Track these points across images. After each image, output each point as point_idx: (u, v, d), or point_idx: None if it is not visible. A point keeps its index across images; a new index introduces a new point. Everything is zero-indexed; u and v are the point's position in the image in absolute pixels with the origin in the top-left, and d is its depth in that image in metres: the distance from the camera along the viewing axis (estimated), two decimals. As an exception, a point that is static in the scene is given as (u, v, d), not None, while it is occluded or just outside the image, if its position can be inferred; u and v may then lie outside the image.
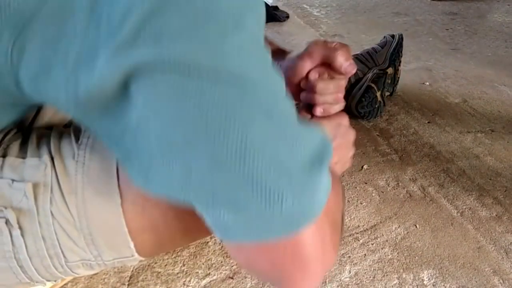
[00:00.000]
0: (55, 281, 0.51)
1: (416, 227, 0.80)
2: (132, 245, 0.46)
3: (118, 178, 0.44)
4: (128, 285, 0.68)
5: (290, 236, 0.35)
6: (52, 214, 0.44)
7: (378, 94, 1.11)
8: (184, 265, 0.72)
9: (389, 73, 1.16)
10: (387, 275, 0.71)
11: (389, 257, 0.74)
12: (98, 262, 0.48)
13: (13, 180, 0.44)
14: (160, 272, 0.71)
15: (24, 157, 0.45)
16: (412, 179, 0.93)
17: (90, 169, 0.44)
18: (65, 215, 0.44)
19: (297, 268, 0.36)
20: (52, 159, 0.45)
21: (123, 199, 0.44)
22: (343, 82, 0.60)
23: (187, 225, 0.47)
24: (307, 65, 0.57)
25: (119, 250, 0.47)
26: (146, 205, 0.44)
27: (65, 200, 0.44)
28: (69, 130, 0.48)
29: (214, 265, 0.72)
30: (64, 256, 0.46)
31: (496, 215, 0.84)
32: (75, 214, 0.44)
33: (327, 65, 0.57)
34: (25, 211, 0.43)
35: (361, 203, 0.86)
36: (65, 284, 0.68)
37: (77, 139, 0.46)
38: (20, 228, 0.43)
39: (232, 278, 0.70)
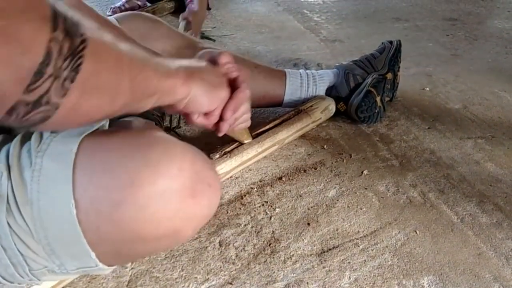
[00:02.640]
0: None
1: (416, 233, 0.80)
2: (93, 255, 0.46)
3: (74, 188, 0.43)
4: (126, 290, 0.68)
5: None
6: (9, 225, 0.43)
7: (378, 99, 1.11)
8: (182, 270, 0.72)
9: (388, 78, 1.16)
10: (387, 281, 0.70)
11: (389, 263, 0.74)
12: (62, 271, 0.47)
13: None
14: (158, 277, 0.70)
15: None
16: (412, 184, 0.93)
17: (46, 177, 0.43)
18: (22, 226, 0.43)
19: None
20: (8, 167, 0.44)
21: (78, 210, 0.43)
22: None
23: (145, 236, 0.46)
24: None
25: (81, 259, 0.46)
26: (101, 216, 0.44)
27: (21, 211, 0.43)
28: (32, 135, 0.47)
29: (213, 271, 0.72)
30: (28, 265, 0.46)
31: (497, 221, 0.83)
32: (31, 225, 0.43)
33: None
34: None
35: (361, 209, 0.86)
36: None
37: (38, 145, 0.45)
38: None
39: (231, 283, 0.70)
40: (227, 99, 0.64)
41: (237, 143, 0.92)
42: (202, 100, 0.58)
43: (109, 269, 0.50)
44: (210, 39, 1.85)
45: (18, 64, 0.32)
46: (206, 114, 0.63)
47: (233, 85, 0.66)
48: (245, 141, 0.93)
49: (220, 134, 0.68)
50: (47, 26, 0.33)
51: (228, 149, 0.91)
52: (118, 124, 0.56)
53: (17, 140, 0.47)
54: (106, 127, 0.52)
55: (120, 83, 0.42)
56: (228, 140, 0.91)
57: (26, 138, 0.47)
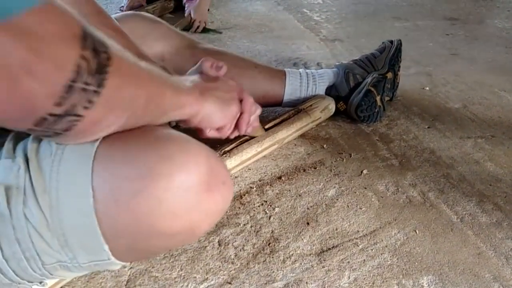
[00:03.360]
0: (40, 283, 0.51)
1: (416, 232, 0.80)
2: (106, 247, 0.46)
3: (93, 178, 0.44)
4: (125, 289, 0.68)
5: None
6: (25, 217, 0.44)
7: (378, 98, 1.11)
8: (181, 269, 0.71)
9: (388, 77, 1.16)
10: (386, 281, 0.70)
11: (389, 262, 0.74)
12: (74, 265, 0.48)
13: None
14: (157, 277, 0.70)
15: None
16: (412, 184, 0.93)
17: (65, 167, 0.44)
18: (38, 217, 0.44)
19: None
20: (27, 160, 0.45)
21: (95, 200, 0.44)
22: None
23: (161, 230, 0.47)
24: None
25: (93, 252, 0.47)
26: (119, 206, 0.44)
27: (38, 200, 0.44)
28: None
29: (212, 270, 0.72)
30: (40, 259, 0.46)
31: (496, 221, 0.83)
32: (48, 214, 0.44)
33: None
34: None
35: (361, 208, 0.86)
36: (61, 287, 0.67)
37: None
38: None
39: (230, 283, 0.70)
40: (238, 114, 0.69)
41: (237, 141, 0.92)
42: (214, 117, 0.62)
43: (120, 264, 0.51)
44: (217, 32, 1.87)
45: (51, 80, 0.34)
46: (218, 129, 0.66)
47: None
48: (258, 135, 0.95)
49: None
50: (77, 45, 0.35)
51: (227, 149, 0.91)
52: None
53: (35, 135, 0.48)
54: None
55: (139, 98, 0.44)
56: (227, 139, 0.90)
57: None
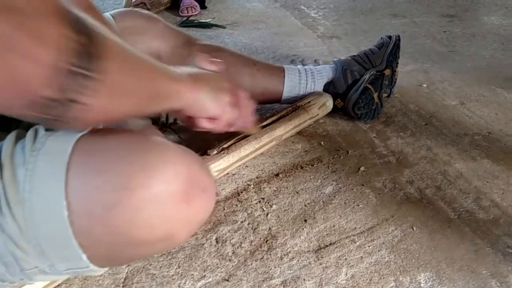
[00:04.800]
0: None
1: (413, 229, 0.80)
2: (84, 256, 0.45)
3: (67, 189, 0.42)
4: (123, 287, 0.68)
5: None
6: (0, 225, 0.43)
7: (375, 95, 1.11)
8: (179, 267, 0.71)
9: (386, 74, 1.16)
10: (383, 278, 0.70)
11: (386, 259, 0.74)
12: (53, 271, 0.46)
13: None
14: (155, 274, 0.70)
15: None
16: (409, 181, 0.93)
17: (39, 177, 0.42)
18: (12, 226, 0.43)
19: None
20: (1, 166, 0.43)
21: (70, 211, 0.42)
22: None
23: (139, 240, 0.46)
24: None
25: (72, 261, 0.45)
26: (93, 219, 0.43)
27: (12, 210, 0.42)
28: (27, 133, 0.46)
29: (209, 267, 0.71)
30: (19, 265, 0.45)
31: (494, 217, 0.83)
32: (22, 225, 0.42)
33: None
34: None
35: (358, 205, 0.86)
36: (58, 285, 0.67)
37: (33, 143, 0.44)
38: None
39: (227, 280, 0.69)
40: (231, 104, 0.67)
41: (235, 138, 0.92)
42: (208, 105, 0.61)
43: (102, 270, 0.50)
44: (220, 26, 1.89)
45: (36, 58, 0.33)
46: (211, 119, 0.65)
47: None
48: (253, 132, 0.94)
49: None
50: (62, 24, 0.34)
51: (225, 145, 0.91)
52: (113, 125, 0.56)
53: (10, 137, 0.46)
54: (101, 125, 0.51)
55: (139, 84, 0.44)
56: (225, 136, 0.90)
57: (20, 135, 0.47)
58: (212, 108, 0.62)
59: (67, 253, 0.44)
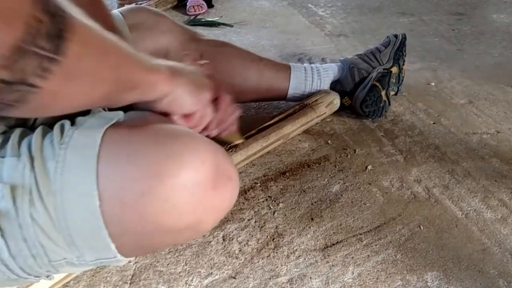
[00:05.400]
0: (47, 276, 0.51)
1: (420, 228, 0.80)
2: (113, 246, 0.46)
3: (98, 179, 0.43)
4: (131, 283, 0.68)
5: None
6: (31, 216, 0.43)
7: (383, 93, 1.10)
8: (186, 264, 0.72)
9: (393, 72, 1.15)
10: (390, 277, 0.70)
11: (393, 258, 0.74)
12: (81, 262, 0.47)
13: None
14: (162, 271, 0.70)
15: (3, 156, 0.45)
16: (417, 180, 0.92)
17: (70, 169, 0.44)
18: (44, 217, 0.44)
19: None
20: (32, 159, 0.44)
21: (101, 201, 0.43)
22: None
23: (167, 227, 0.47)
24: None
25: (100, 251, 0.47)
26: (125, 207, 0.44)
27: (44, 200, 0.43)
28: (54, 128, 0.47)
29: (216, 265, 0.72)
30: (47, 256, 0.46)
31: (501, 217, 0.83)
32: (54, 215, 0.43)
33: None
34: (4, 213, 0.43)
35: (365, 204, 0.86)
36: (67, 282, 0.67)
37: (61, 137, 0.45)
38: (1, 229, 0.43)
39: (234, 278, 0.70)
40: (209, 102, 0.63)
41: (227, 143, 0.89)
42: (185, 100, 0.56)
43: (126, 260, 0.51)
44: (227, 25, 1.89)
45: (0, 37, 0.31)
46: (186, 116, 0.60)
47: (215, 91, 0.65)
48: (236, 142, 0.89)
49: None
50: (29, 2, 0.32)
51: (233, 144, 0.91)
52: (134, 118, 0.55)
53: (38, 132, 0.47)
54: (122, 119, 0.51)
55: (104, 71, 0.42)
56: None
57: (47, 130, 0.48)
58: (189, 104, 0.58)
59: (96, 243, 0.46)
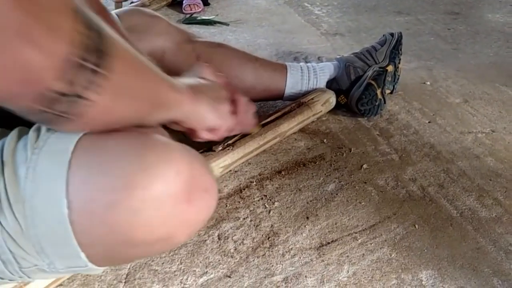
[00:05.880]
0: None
1: (415, 227, 0.80)
2: (83, 255, 0.45)
3: (67, 187, 0.42)
4: (125, 282, 0.68)
5: None
6: (0, 223, 0.43)
7: (379, 91, 1.11)
8: (181, 263, 0.72)
9: (389, 70, 1.16)
10: (385, 275, 0.70)
11: (388, 257, 0.74)
12: (51, 269, 0.46)
13: None
14: (157, 270, 0.70)
15: None
16: (412, 179, 0.93)
17: (40, 175, 0.42)
18: (12, 224, 0.43)
19: None
20: (2, 163, 0.43)
21: (71, 210, 0.42)
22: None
23: (138, 240, 0.45)
24: None
25: (70, 259, 0.45)
26: (94, 218, 0.43)
27: (12, 208, 0.42)
28: (30, 130, 0.46)
29: (211, 264, 0.72)
30: (17, 262, 0.45)
31: (496, 216, 0.83)
32: (22, 222, 0.42)
33: None
34: None
35: (360, 203, 0.86)
36: (62, 282, 0.67)
37: (36, 141, 0.44)
38: None
39: (229, 276, 0.70)
40: (231, 112, 0.68)
41: (238, 135, 0.92)
42: (208, 116, 0.61)
43: (101, 269, 0.50)
44: (223, 23, 1.89)
45: (49, 48, 0.33)
46: (211, 129, 0.65)
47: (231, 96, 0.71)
48: (254, 131, 0.95)
49: None
50: (73, 17, 0.34)
51: (230, 142, 0.91)
52: None
53: (14, 134, 0.46)
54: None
55: (143, 88, 0.44)
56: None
57: (23, 133, 0.47)
58: (212, 120, 0.62)
59: (66, 251, 0.44)
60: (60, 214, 0.42)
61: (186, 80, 0.60)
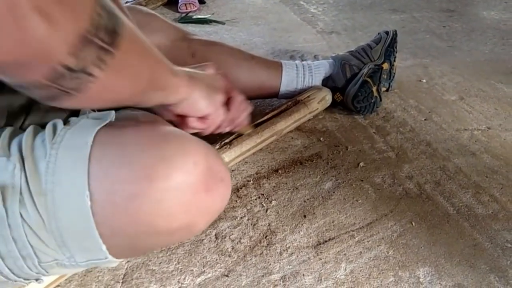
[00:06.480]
0: (36, 280, 0.51)
1: (412, 224, 0.80)
2: (104, 247, 0.46)
3: (89, 180, 0.43)
4: (122, 283, 0.68)
5: None
6: (21, 217, 0.43)
7: (374, 89, 1.11)
8: (178, 262, 0.72)
9: (384, 68, 1.16)
10: (383, 273, 0.70)
11: (385, 254, 0.74)
12: (71, 263, 0.47)
13: None
14: (154, 270, 0.70)
15: None
16: (409, 176, 0.93)
17: (61, 169, 0.43)
18: (34, 217, 0.43)
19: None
20: (22, 159, 0.44)
21: (93, 202, 0.43)
22: None
23: (159, 229, 0.47)
24: None
25: (91, 252, 0.47)
26: (116, 209, 0.44)
27: (34, 201, 0.43)
28: (46, 127, 0.47)
29: (209, 263, 0.72)
30: (37, 257, 0.46)
31: (492, 212, 0.83)
32: (45, 216, 0.43)
33: None
34: None
35: (357, 201, 0.86)
36: (59, 283, 0.67)
37: (53, 137, 0.45)
38: None
39: (227, 276, 0.70)
40: (223, 104, 0.68)
41: (235, 134, 0.92)
42: (201, 103, 0.61)
43: (117, 262, 0.51)
44: (219, 22, 1.89)
45: (68, 26, 0.34)
46: (201, 118, 0.65)
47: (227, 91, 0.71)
48: (245, 133, 0.94)
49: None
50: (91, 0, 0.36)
51: (227, 140, 0.91)
52: (126, 118, 0.56)
53: (29, 131, 0.47)
54: (113, 120, 0.52)
55: (144, 69, 0.45)
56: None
57: (38, 129, 0.48)
58: (205, 107, 0.62)
59: (87, 244, 0.46)
60: (82, 206, 0.43)
61: (184, 68, 0.61)
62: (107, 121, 0.49)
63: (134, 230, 0.46)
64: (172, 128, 0.52)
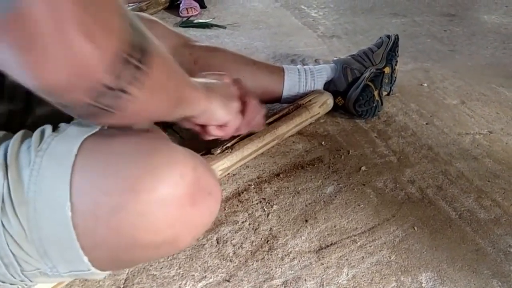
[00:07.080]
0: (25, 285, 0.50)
1: (415, 229, 0.80)
2: (86, 259, 0.45)
3: (71, 190, 0.42)
4: (123, 288, 0.68)
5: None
6: (3, 225, 0.42)
7: (376, 93, 1.11)
8: (180, 267, 0.71)
9: (386, 72, 1.16)
10: (385, 278, 0.70)
11: (387, 259, 0.74)
12: (54, 273, 0.46)
13: None
14: (155, 275, 0.70)
15: None
16: (410, 181, 0.92)
17: (44, 178, 0.42)
18: (16, 227, 0.42)
19: (21, 44, 0.33)
20: (6, 166, 0.43)
21: (74, 213, 0.42)
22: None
23: (143, 243, 0.45)
24: None
25: (73, 263, 0.45)
26: (98, 221, 0.43)
27: (16, 210, 0.42)
28: (34, 133, 0.46)
29: (210, 268, 0.71)
30: (20, 266, 0.45)
31: (495, 217, 0.83)
32: (26, 225, 0.42)
33: None
34: None
35: (359, 205, 0.85)
36: None
37: (39, 144, 0.44)
38: None
39: (228, 281, 0.69)
40: (239, 110, 0.73)
41: (238, 137, 0.92)
42: (219, 113, 0.65)
43: (103, 274, 0.49)
44: (220, 26, 1.89)
45: (104, 44, 0.35)
46: (220, 126, 0.70)
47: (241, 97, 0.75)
48: (257, 131, 0.96)
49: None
50: (125, 19, 0.37)
51: (229, 144, 0.91)
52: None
53: (16, 137, 0.46)
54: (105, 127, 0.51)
55: (173, 86, 0.47)
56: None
57: (27, 135, 0.47)
58: (223, 116, 0.67)
59: (69, 255, 0.44)
60: (63, 217, 0.42)
61: (198, 79, 0.64)
62: (96, 129, 0.47)
63: (116, 243, 0.44)
64: (161, 139, 0.50)
